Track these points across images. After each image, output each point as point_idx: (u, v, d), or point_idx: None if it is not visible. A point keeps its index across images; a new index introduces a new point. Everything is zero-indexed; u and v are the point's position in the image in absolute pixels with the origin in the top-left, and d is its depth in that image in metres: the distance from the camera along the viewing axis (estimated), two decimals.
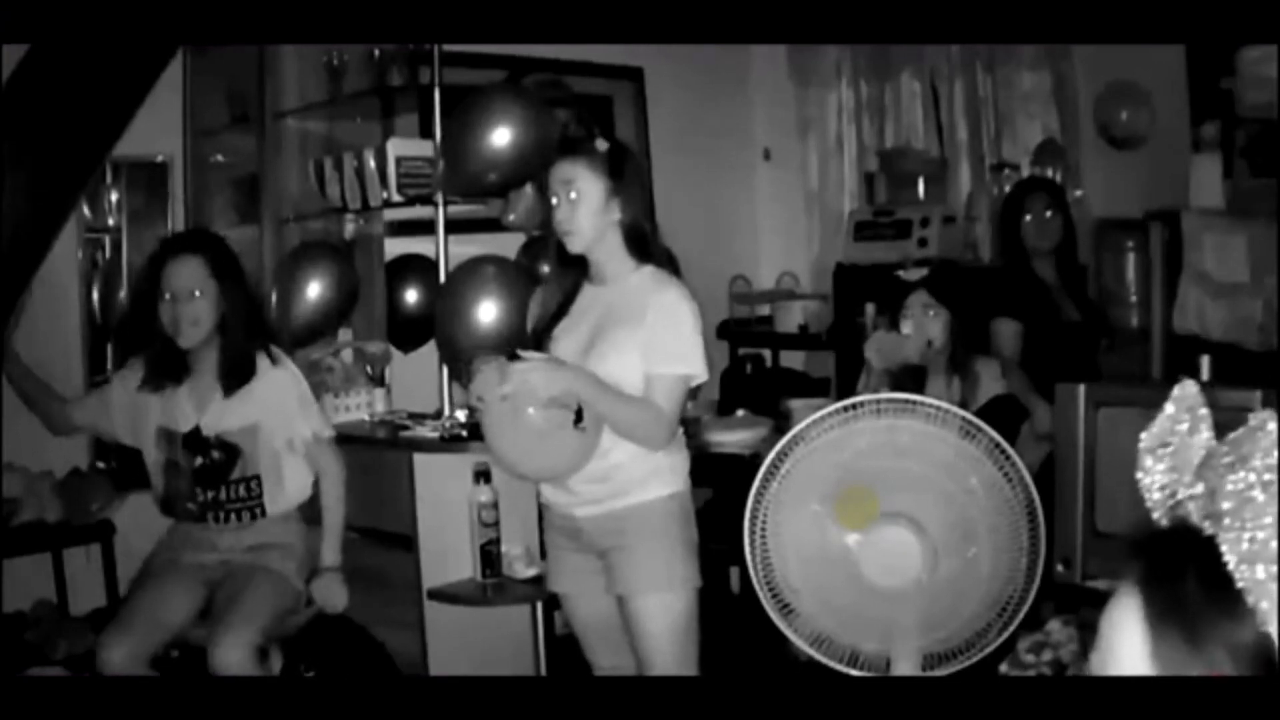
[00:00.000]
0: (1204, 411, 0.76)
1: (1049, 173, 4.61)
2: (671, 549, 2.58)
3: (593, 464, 2.55)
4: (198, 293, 3.00)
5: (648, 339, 2.50)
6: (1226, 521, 0.70)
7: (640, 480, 2.56)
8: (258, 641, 2.89)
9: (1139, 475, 0.77)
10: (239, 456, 3.05)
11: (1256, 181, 4.19)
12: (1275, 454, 0.71)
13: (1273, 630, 0.68)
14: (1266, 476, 0.70)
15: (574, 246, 2.57)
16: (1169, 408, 0.77)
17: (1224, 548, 0.70)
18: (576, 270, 2.64)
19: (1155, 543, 0.75)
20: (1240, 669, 0.69)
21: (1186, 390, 0.77)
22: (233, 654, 2.81)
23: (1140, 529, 0.76)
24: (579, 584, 2.70)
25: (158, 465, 3.11)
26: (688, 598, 2.60)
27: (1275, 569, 0.68)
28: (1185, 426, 0.76)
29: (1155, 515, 0.75)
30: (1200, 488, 0.73)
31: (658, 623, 2.57)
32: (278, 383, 3.09)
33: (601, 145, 2.56)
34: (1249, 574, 0.69)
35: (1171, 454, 0.75)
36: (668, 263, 2.65)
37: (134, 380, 3.11)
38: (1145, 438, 0.77)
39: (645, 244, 2.59)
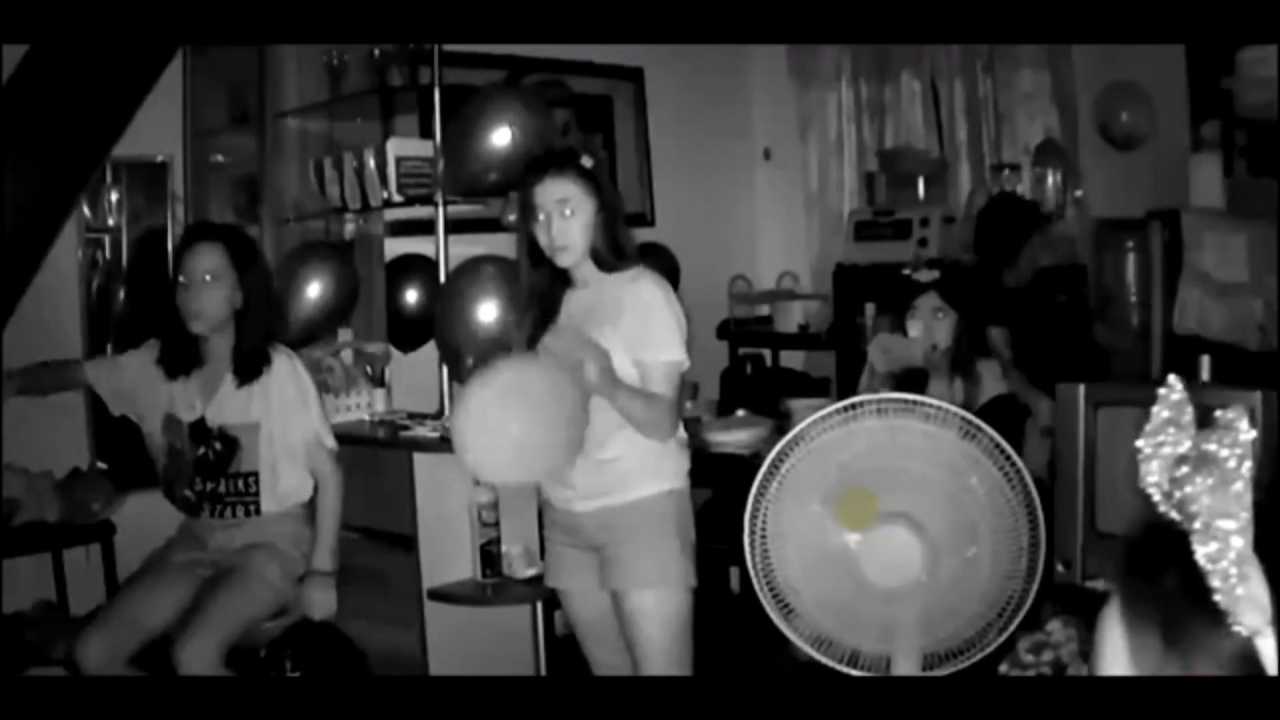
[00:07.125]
0: (1189, 409, 0.77)
1: (1049, 173, 4.61)
2: (668, 546, 2.59)
3: (591, 456, 2.56)
4: (208, 277, 3.01)
5: (629, 333, 2.53)
6: (1195, 513, 0.71)
7: (639, 475, 2.58)
8: (222, 648, 2.86)
9: (1142, 475, 0.78)
10: (238, 450, 3.05)
11: (1256, 181, 4.20)
12: (1243, 452, 0.71)
13: (1241, 629, 0.68)
14: (1232, 472, 0.71)
15: (564, 261, 2.59)
16: (1156, 408, 0.78)
17: (1195, 545, 0.71)
18: (554, 276, 2.65)
19: (1137, 542, 0.76)
20: (1216, 668, 0.69)
21: (1173, 390, 0.78)
22: (195, 660, 2.80)
23: (1131, 528, 0.77)
24: (576, 580, 2.71)
25: (161, 449, 3.12)
26: (683, 596, 2.61)
27: (1242, 566, 0.69)
28: (1172, 427, 0.77)
29: (1159, 513, 0.76)
30: (1178, 486, 0.74)
31: (653, 619, 2.58)
32: (285, 381, 3.08)
33: (588, 162, 2.59)
34: (1217, 571, 0.69)
35: (1162, 453, 0.76)
36: (648, 259, 2.67)
37: (151, 356, 3.12)
38: (1140, 440, 0.78)
39: (623, 250, 2.62)
